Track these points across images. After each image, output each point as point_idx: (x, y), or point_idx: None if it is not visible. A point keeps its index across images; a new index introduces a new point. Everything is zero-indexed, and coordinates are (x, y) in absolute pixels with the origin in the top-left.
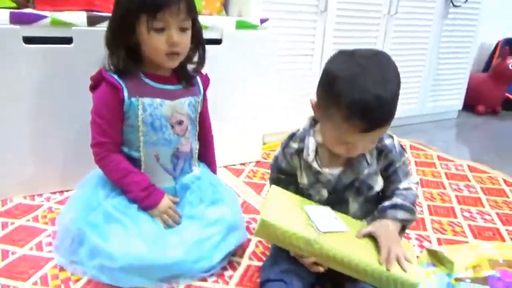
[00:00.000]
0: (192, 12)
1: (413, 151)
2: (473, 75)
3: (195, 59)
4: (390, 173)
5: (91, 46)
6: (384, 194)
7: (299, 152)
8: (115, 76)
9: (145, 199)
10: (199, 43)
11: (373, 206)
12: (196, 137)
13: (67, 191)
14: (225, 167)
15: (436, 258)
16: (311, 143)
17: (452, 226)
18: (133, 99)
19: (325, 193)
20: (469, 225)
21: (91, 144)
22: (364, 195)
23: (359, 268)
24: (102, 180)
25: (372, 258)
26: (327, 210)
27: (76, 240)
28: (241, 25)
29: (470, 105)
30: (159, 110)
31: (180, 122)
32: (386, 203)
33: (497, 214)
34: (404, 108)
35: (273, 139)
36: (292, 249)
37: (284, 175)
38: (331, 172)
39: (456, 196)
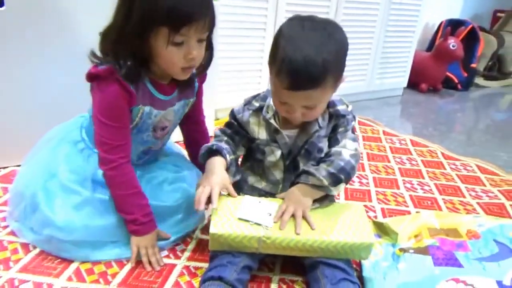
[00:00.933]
0: (214, 23)
1: (361, 127)
2: (417, 54)
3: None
4: (332, 136)
5: (25, 9)
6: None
7: (260, 109)
8: (125, 80)
9: (141, 225)
10: (209, 47)
11: None
12: (171, 133)
13: (5, 168)
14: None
15: (381, 229)
16: (271, 102)
17: (395, 197)
18: (135, 108)
19: (278, 154)
20: (410, 196)
21: (104, 150)
22: (313, 158)
23: (315, 248)
24: (62, 142)
25: (322, 233)
26: (260, 202)
27: (29, 206)
28: None
29: (414, 83)
30: (151, 120)
31: (163, 128)
32: (302, 168)
33: (435, 184)
34: (353, 85)
35: (226, 115)
36: (250, 251)
37: (237, 123)
38: (288, 133)
39: (399, 169)
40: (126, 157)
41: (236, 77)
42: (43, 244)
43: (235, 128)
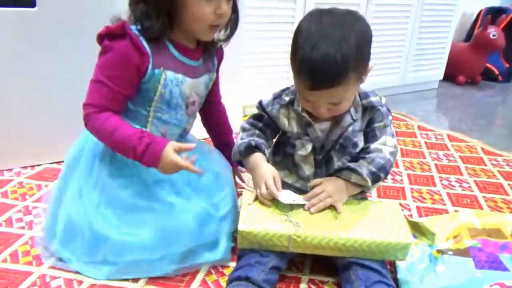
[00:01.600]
0: None
1: (394, 122)
2: (455, 45)
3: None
4: (369, 130)
5: (57, 9)
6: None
7: (290, 103)
8: (142, 39)
9: (146, 154)
10: (234, 10)
11: None
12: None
13: (38, 165)
14: (204, 139)
15: (417, 229)
16: None
17: (431, 195)
18: (156, 71)
19: (309, 147)
20: (448, 193)
21: (84, 103)
22: (348, 153)
23: (348, 247)
24: (96, 155)
25: (356, 232)
26: (294, 195)
27: (91, 240)
28: None
29: (451, 75)
30: (179, 88)
31: (193, 103)
32: (346, 164)
33: (475, 182)
34: (386, 78)
35: (254, 111)
36: (280, 249)
37: (267, 116)
38: (320, 126)
39: (436, 165)
40: (104, 109)
41: (263, 72)
42: (125, 272)
43: (266, 121)
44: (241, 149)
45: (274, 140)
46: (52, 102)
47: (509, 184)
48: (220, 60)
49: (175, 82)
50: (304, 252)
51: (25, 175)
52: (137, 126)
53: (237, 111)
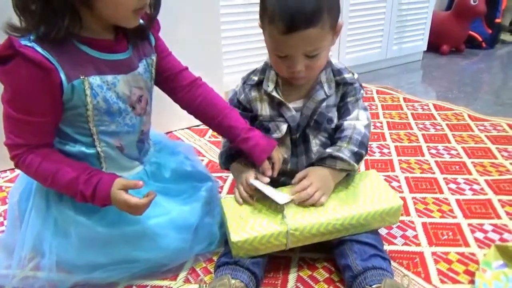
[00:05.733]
0: None
1: (379, 96)
2: (436, 14)
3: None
4: (342, 105)
5: None
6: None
7: (259, 83)
8: (39, 49)
9: (94, 196)
10: None
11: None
12: (151, 106)
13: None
14: (188, 128)
15: (508, 255)
16: (271, 74)
17: (419, 164)
18: (75, 82)
19: (283, 128)
20: (436, 162)
21: (5, 142)
22: (324, 129)
23: (346, 226)
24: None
25: (350, 209)
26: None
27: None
28: None
29: (434, 45)
30: (113, 91)
31: (140, 99)
32: (327, 151)
33: (463, 148)
34: (368, 53)
35: None
36: (279, 249)
37: (241, 109)
38: (293, 105)
39: (423, 135)
40: (30, 148)
41: (242, 56)
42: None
43: (242, 113)
44: (222, 160)
45: None
46: None
47: (497, 148)
48: (157, 31)
49: (105, 86)
50: (303, 244)
51: (4, 179)
52: (83, 149)
53: (219, 92)
